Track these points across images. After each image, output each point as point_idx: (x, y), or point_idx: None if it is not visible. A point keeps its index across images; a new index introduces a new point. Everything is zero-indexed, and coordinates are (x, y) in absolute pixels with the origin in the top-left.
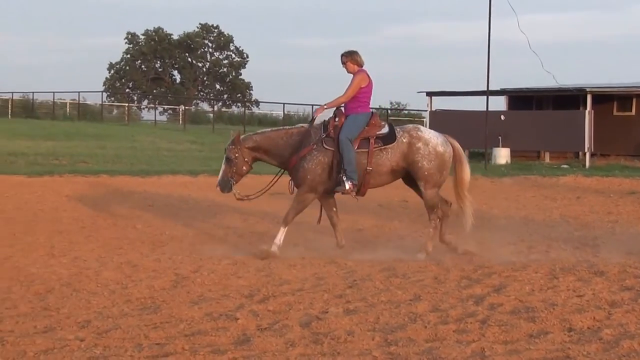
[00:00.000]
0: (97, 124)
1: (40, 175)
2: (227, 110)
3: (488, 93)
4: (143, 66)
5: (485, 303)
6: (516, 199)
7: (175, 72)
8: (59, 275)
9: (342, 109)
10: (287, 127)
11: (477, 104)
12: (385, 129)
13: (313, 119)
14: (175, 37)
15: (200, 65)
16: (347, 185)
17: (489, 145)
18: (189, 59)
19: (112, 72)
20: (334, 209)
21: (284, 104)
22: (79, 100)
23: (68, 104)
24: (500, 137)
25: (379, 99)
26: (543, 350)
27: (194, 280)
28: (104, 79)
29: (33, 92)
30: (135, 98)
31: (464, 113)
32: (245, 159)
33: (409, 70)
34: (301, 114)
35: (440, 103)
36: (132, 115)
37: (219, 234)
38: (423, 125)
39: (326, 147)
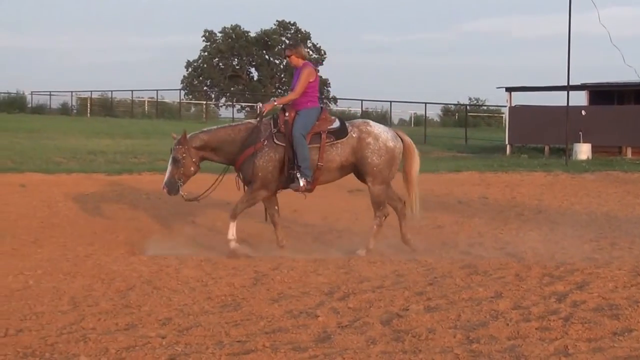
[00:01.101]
0: (175, 122)
1: (119, 173)
2: None
3: (568, 88)
4: (220, 64)
5: (567, 300)
6: (598, 195)
7: (253, 70)
8: (140, 273)
9: (291, 103)
10: (233, 123)
11: (557, 99)
12: (336, 124)
13: (261, 115)
14: (252, 34)
15: (277, 62)
16: (302, 182)
17: (570, 141)
18: (267, 56)
19: (190, 70)
20: (276, 207)
21: (362, 100)
22: (157, 99)
23: (146, 102)
24: (581, 133)
25: (457, 95)
26: (627, 348)
27: (273, 277)
28: (182, 77)
29: (112, 91)
30: (212, 96)
31: (544, 108)
32: (193, 160)
33: (488, 65)
34: (379, 110)
35: (519, 98)
36: (210, 113)
37: (297, 231)
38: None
39: (277, 142)
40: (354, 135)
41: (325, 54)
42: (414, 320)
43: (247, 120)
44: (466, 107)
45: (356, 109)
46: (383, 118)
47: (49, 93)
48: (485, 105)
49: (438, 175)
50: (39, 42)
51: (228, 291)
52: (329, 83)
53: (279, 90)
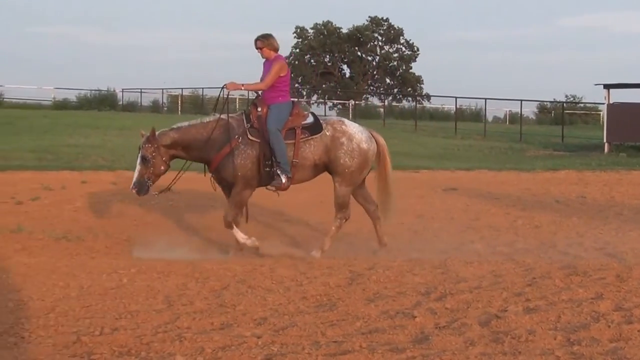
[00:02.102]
0: None
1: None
2: (397, 104)
3: None
4: (312, 60)
5: None
6: None
7: (345, 66)
8: (234, 272)
9: (261, 98)
10: (205, 120)
11: None
12: (310, 119)
13: (220, 100)
14: (344, 30)
15: (370, 59)
16: (283, 179)
17: None
18: (359, 53)
19: None
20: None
21: (455, 97)
22: (247, 96)
23: (237, 100)
24: None
25: (553, 92)
26: None
27: (369, 277)
28: None
29: (202, 88)
30: (304, 93)
31: None
32: (163, 158)
33: (585, 62)
34: (473, 107)
35: (618, 95)
36: (302, 111)
37: (390, 230)
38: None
39: (252, 138)
40: (327, 134)
41: (418, 50)
42: (513, 322)
43: (216, 115)
44: (563, 104)
45: (450, 106)
46: (477, 115)
47: (139, 90)
48: (582, 103)
49: (534, 174)
50: (130, 39)
51: (323, 291)
52: (422, 80)
53: (372, 87)
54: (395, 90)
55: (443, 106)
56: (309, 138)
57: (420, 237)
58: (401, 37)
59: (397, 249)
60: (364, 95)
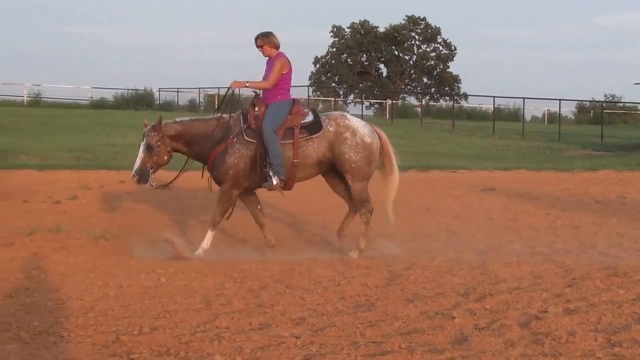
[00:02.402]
0: None
1: None
2: (435, 104)
3: None
4: (349, 60)
5: None
6: None
7: (382, 66)
8: (271, 272)
9: (261, 97)
10: (205, 117)
11: None
12: (310, 117)
13: (227, 94)
14: (381, 29)
15: (407, 58)
16: (275, 180)
17: None
18: (396, 52)
19: (318, 66)
20: (258, 207)
21: (494, 97)
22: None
23: None
24: None
25: (592, 92)
26: None
27: (407, 277)
28: (310, 73)
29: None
30: (341, 92)
31: None
32: (167, 149)
33: (624, 61)
34: (511, 107)
35: None
36: (339, 110)
37: (430, 230)
38: None
39: (247, 139)
40: (330, 129)
41: (455, 49)
42: (553, 323)
43: (219, 115)
44: (602, 103)
45: (487, 105)
46: (515, 115)
47: (176, 90)
48: (621, 102)
49: (573, 173)
50: (166, 38)
51: (361, 291)
52: (460, 79)
53: (409, 87)
54: (433, 89)
55: (481, 106)
56: (310, 137)
57: (458, 237)
58: (438, 36)
59: (435, 249)
60: (401, 95)
